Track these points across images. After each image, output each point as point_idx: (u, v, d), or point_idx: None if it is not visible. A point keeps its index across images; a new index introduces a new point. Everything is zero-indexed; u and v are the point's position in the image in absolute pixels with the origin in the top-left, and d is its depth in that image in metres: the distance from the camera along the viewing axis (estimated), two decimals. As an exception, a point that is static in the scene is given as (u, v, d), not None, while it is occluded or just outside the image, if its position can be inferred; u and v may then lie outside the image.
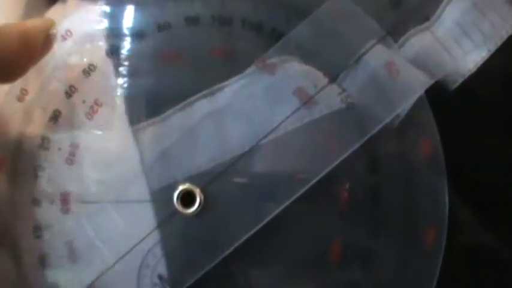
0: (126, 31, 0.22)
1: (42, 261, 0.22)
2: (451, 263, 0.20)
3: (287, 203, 0.20)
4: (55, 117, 0.22)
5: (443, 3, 0.21)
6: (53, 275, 0.22)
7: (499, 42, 0.20)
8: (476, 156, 0.22)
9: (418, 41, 0.21)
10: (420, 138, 0.21)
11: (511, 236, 0.22)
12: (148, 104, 0.22)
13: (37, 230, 0.22)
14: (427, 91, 0.21)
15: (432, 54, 0.21)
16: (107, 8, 0.23)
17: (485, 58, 0.20)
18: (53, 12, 0.25)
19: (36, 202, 0.22)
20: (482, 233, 0.22)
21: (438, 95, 0.21)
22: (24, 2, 0.26)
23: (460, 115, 0.23)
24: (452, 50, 0.21)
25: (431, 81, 0.20)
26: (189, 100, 0.21)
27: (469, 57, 0.21)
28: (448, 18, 0.21)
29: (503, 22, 0.21)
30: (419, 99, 0.21)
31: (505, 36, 0.20)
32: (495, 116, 0.23)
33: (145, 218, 0.21)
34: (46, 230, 0.22)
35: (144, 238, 0.21)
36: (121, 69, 0.22)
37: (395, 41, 0.21)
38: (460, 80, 0.21)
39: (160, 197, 0.21)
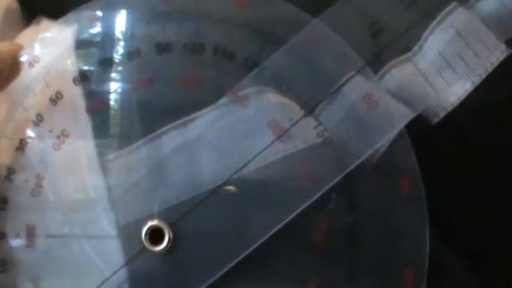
0: (95, 57, 0.21)
1: (7, 298, 0.21)
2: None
3: (260, 242, 0.19)
4: (21, 147, 0.22)
5: (426, 33, 0.20)
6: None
7: (484, 74, 0.19)
8: (461, 198, 0.21)
9: (399, 72, 0.20)
10: (400, 175, 0.20)
11: (498, 284, 0.21)
12: (117, 134, 0.21)
13: (2, 265, 0.21)
14: (407, 125, 0.20)
15: (414, 86, 0.20)
16: (77, 33, 0.22)
17: (469, 91, 0.19)
18: (26, 35, 0.24)
19: (0, 235, 0.21)
20: (469, 279, 0.21)
21: (419, 129, 0.20)
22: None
23: (442, 150, 0.22)
24: (435, 81, 0.20)
25: (413, 115, 0.20)
26: (159, 131, 0.20)
27: (452, 90, 0.20)
28: (431, 48, 0.20)
29: (489, 53, 0.20)
30: (400, 134, 0.20)
31: (490, 68, 0.19)
32: (476, 151, 0.21)
33: (112, 255, 0.20)
34: (11, 264, 0.21)
35: (111, 276, 0.20)
36: (89, 97, 0.21)
37: (375, 72, 0.20)
38: (442, 114, 0.20)
39: (128, 233, 0.20)
